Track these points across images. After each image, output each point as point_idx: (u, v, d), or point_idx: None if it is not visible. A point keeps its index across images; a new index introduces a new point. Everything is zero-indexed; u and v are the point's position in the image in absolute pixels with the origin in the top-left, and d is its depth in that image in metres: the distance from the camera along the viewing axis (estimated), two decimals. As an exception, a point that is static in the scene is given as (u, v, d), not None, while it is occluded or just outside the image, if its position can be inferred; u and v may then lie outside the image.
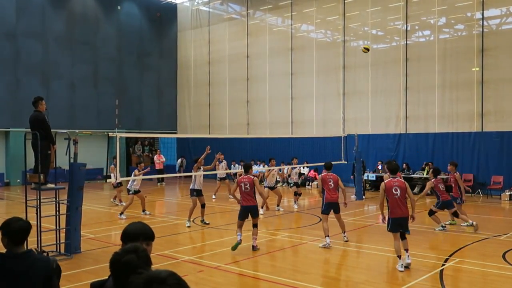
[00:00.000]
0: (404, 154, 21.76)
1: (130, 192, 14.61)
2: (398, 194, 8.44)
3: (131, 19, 29.95)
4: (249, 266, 8.85)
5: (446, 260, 9.08)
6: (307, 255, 9.80)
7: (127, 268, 2.48)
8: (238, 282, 7.99)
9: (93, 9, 28.22)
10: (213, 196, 18.84)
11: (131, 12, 30.02)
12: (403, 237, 8.65)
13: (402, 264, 8.36)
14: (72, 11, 27.31)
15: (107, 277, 2.83)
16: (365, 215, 15.23)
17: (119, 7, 29.39)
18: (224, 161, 19.60)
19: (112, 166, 16.62)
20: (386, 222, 8.69)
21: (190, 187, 13.06)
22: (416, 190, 20.48)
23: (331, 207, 10.45)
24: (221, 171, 18.60)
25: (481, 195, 19.53)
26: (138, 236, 2.99)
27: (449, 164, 13.35)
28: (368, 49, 17.51)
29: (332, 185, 10.43)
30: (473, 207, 17.21)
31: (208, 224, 13.12)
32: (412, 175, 20.66)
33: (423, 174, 20.38)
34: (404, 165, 21.10)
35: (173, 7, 31.72)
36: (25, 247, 3.73)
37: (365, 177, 20.60)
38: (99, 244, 10.73)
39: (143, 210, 15.02)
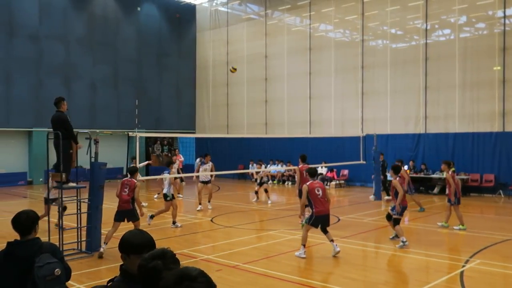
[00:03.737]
0: (423, 154, 21.54)
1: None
2: (321, 194, 9.48)
3: (150, 20, 30.25)
4: (268, 266, 8.88)
5: (466, 262, 8.99)
6: (326, 255, 9.79)
7: (155, 274, 2.45)
8: (257, 281, 8.03)
9: (113, 11, 28.59)
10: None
11: (150, 13, 30.32)
12: (325, 231, 9.62)
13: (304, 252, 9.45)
14: (92, 13, 27.72)
15: (106, 282, 2.86)
16: (384, 215, 15.11)
17: (138, 9, 29.72)
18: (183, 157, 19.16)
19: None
20: (308, 218, 9.72)
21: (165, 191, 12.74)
22: (436, 190, 20.29)
23: None
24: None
25: (503, 196, 19.23)
26: (143, 249, 2.74)
27: (442, 163, 13.07)
28: (235, 69, 16.86)
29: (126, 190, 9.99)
30: (494, 208, 16.99)
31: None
32: (432, 175, 20.45)
33: (443, 175, 20.15)
34: (423, 165, 20.90)
35: (192, 8, 31.94)
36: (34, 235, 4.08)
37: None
38: (119, 243, 10.85)
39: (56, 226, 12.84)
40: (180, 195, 19.05)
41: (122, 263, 2.87)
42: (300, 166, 13.50)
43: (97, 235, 9.99)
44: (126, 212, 9.91)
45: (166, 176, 12.73)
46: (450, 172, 12.42)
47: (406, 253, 9.58)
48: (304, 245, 9.41)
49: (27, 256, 3.83)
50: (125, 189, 9.97)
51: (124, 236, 2.93)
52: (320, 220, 9.50)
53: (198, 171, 17.44)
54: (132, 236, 2.89)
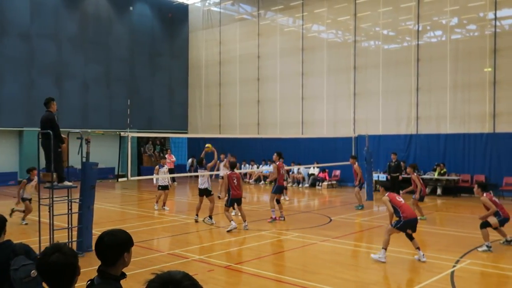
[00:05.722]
0: (415, 154, 21.65)
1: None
2: (402, 200, 9.29)
3: (143, 19, 30.17)
4: (259, 266, 8.88)
5: (457, 262, 9.04)
6: (317, 255, 9.81)
7: (57, 267, 2.48)
8: (248, 281, 8.03)
9: (106, 10, 28.47)
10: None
11: (143, 13, 30.23)
12: (411, 238, 9.19)
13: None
14: (85, 12, 27.59)
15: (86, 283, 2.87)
16: (375, 215, 15.19)
17: (131, 8, 29.63)
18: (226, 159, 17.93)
19: (157, 167, 16.33)
20: (396, 222, 9.22)
21: (207, 187, 13.31)
22: (427, 190, 20.34)
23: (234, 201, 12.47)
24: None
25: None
26: (131, 244, 2.83)
27: (408, 167, 14.64)
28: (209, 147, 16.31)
29: (236, 182, 12.32)
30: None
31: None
32: (423, 176, 20.52)
33: (434, 175, 20.28)
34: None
35: (185, 8, 31.89)
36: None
37: (375, 178, 20.41)
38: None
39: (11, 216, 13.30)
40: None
41: (100, 264, 2.90)
42: (278, 163, 13.89)
43: (88, 236, 9.93)
44: (238, 199, 12.30)
45: (204, 173, 13.56)
46: (415, 174, 13.88)
47: (397, 254, 9.62)
48: (385, 249, 9.02)
49: (1, 260, 3.82)
50: (234, 181, 12.20)
51: (102, 239, 2.95)
52: (409, 225, 9.08)
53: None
54: (117, 235, 2.93)
